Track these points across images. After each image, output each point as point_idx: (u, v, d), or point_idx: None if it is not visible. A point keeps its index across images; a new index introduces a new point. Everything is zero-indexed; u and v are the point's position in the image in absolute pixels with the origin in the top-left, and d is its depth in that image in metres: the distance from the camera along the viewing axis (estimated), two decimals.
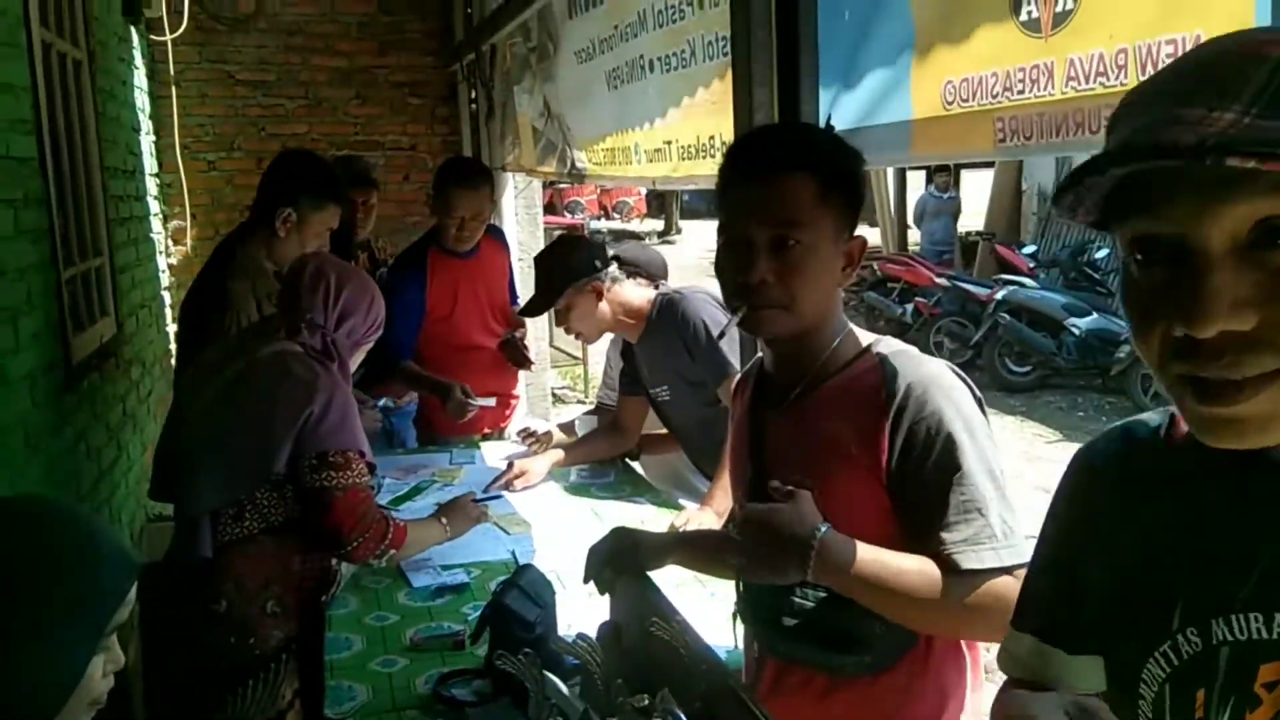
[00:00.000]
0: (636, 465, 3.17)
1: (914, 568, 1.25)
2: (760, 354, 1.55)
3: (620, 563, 1.65)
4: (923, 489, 1.26)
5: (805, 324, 1.34)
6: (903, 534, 1.30)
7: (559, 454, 3.04)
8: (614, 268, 2.76)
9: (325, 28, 5.51)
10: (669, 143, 2.85)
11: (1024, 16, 1.19)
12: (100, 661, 1.14)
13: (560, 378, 8.37)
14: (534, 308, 2.85)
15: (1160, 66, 1.01)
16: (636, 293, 2.76)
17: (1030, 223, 12.30)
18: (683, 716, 1.26)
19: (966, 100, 1.34)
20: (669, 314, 2.68)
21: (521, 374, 3.86)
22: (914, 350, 1.36)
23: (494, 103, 4.71)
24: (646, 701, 1.31)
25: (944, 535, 1.24)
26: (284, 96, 5.48)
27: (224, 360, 2.21)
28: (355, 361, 2.27)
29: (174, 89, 4.96)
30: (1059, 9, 1.15)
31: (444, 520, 2.36)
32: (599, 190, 18.73)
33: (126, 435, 3.73)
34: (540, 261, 2.88)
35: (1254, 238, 0.62)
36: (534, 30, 4.15)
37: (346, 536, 2.06)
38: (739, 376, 1.69)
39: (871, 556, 1.25)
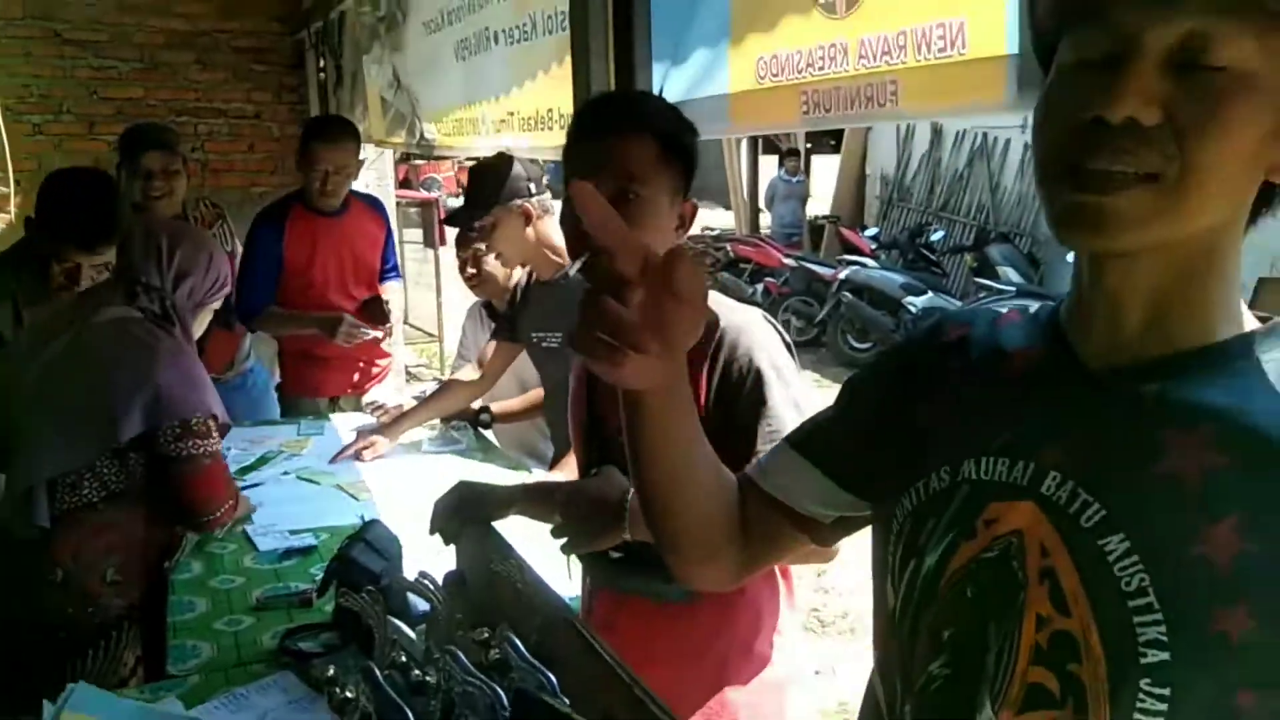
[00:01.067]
0: (488, 433, 3.24)
1: None
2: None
3: (465, 513, 1.73)
4: (734, 422, 1.39)
5: None
6: None
7: (412, 418, 3.06)
8: (547, 196, 2.71)
9: None
10: (512, 114, 2.92)
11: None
12: None
13: (415, 355, 8.29)
14: (461, 217, 2.79)
15: (932, 46, 1.17)
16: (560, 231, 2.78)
17: (873, 207, 12.89)
18: (519, 643, 1.35)
19: (776, 75, 1.47)
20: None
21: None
22: (729, 299, 1.49)
23: (343, 72, 4.66)
24: (486, 634, 1.40)
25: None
26: (117, 59, 5.23)
27: (58, 327, 2.15)
28: (202, 323, 2.25)
29: None
30: None
31: None
32: (455, 167, 18.45)
33: None
34: (475, 173, 2.82)
35: (1181, 49, 0.68)
36: (383, 1, 4.13)
37: (213, 504, 2.07)
38: None
39: None
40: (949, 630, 0.80)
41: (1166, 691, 0.69)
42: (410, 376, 6.15)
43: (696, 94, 1.70)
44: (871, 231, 11.41)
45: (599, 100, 1.59)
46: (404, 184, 14.72)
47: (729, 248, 10.72)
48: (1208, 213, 0.71)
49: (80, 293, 2.47)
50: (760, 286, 10.08)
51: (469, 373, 3.07)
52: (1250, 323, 0.77)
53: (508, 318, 2.92)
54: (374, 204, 3.78)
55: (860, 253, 10.12)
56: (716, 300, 1.49)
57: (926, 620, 0.83)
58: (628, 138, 1.41)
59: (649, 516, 0.98)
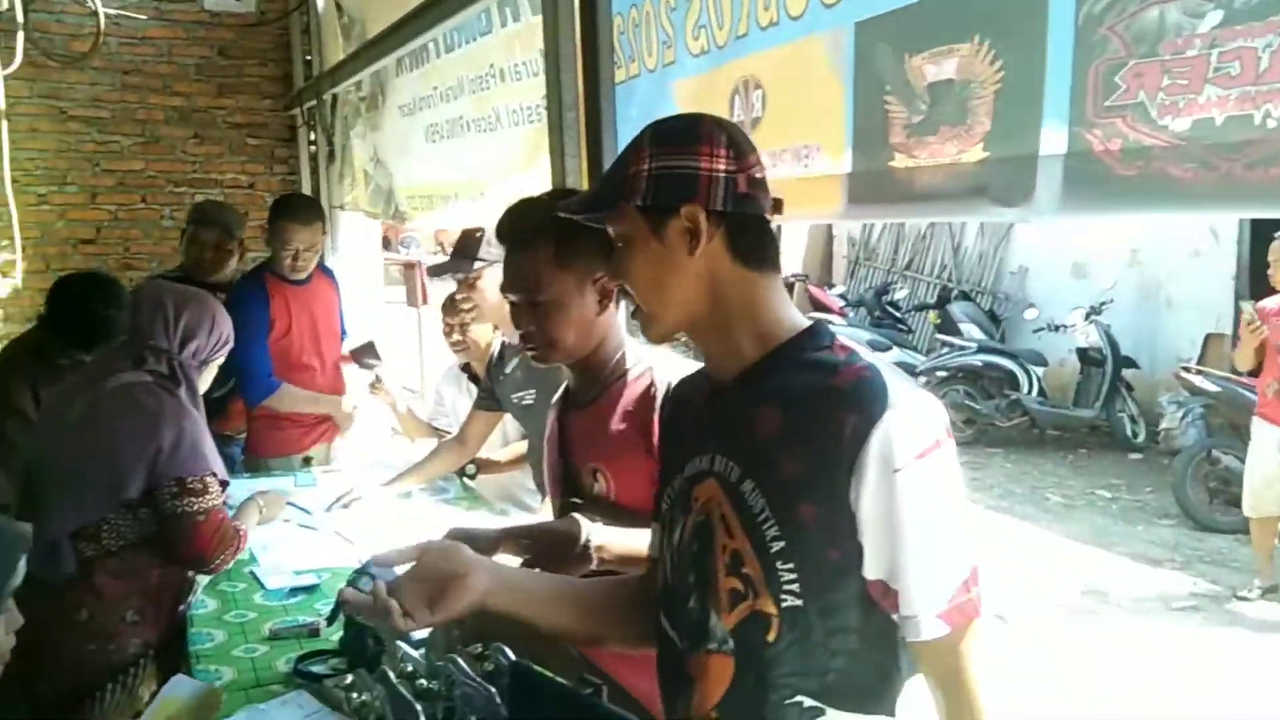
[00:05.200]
0: (472, 484, 3.47)
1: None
2: None
3: None
4: None
5: (573, 354, 1.74)
6: None
7: (401, 484, 3.26)
8: None
9: (163, 68, 5.59)
10: (481, 194, 3.22)
11: (738, 116, 1.66)
12: (2, 622, 1.37)
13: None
14: (447, 268, 3.01)
15: (796, 162, 1.52)
16: None
17: (840, 266, 13.30)
18: (510, 653, 1.59)
19: None
20: None
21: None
22: (674, 355, 1.78)
23: (335, 146, 4.96)
24: (480, 649, 1.64)
25: None
26: (119, 133, 5.52)
27: (75, 393, 2.35)
28: (206, 380, 2.45)
29: (4, 122, 4.94)
30: (753, 115, 1.63)
31: (260, 503, 2.58)
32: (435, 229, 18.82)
33: None
34: (465, 234, 3.03)
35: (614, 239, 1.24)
36: (365, 82, 4.45)
37: (210, 557, 2.27)
38: (554, 399, 2.06)
39: (621, 536, 1.64)
40: (691, 575, 1.23)
41: (791, 565, 1.12)
42: (395, 432, 6.35)
43: None
44: (839, 290, 11.80)
45: (502, 216, 1.83)
46: (384, 244, 14.96)
47: None
48: (669, 312, 1.20)
49: (96, 358, 2.69)
50: None
51: (451, 441, 3.31)
52: (796, 327, 1.20)
53: (487, 390, 3.15)
54: (328, 271, 4.07)
55: (829, 310, 10.46)
56: (663, 358, 1.77)
57: (681, 574, 1.25)
58: (523, 250, 1.71)
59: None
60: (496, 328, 3.34)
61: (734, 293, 1.18)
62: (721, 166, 1.15)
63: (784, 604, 1.13)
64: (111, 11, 5.13)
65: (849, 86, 1.41)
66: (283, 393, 3.68)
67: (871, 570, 1.10)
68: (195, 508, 2.23)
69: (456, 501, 3.28)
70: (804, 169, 1.45)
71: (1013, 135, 1.17)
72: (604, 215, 1.22)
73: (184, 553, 2.27)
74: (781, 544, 1.12)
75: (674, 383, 1.64)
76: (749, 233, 1.18)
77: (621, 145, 2.16)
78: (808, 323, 1.21)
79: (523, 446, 3.31)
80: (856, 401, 1.08)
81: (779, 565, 1.12)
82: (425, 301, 8.80)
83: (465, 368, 3.54)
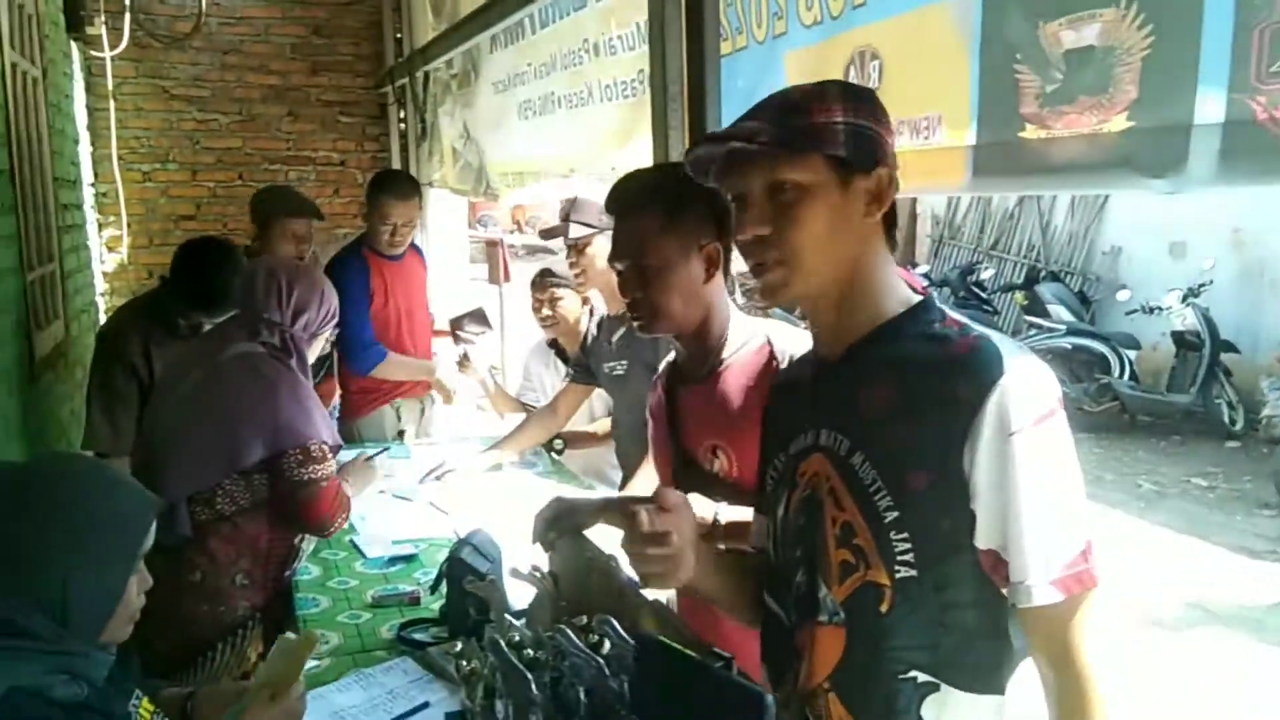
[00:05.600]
0: (560, 458, 3.51)
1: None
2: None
3: (561, 522, 2.00)
4: None
5: (680, 323, 1.73)
6: None
7: (493, 456, 3.31)
8: None
9: (260, 48, 5.73)
10: (572, 170, 3.22)
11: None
12: (135, 581, 1.40)
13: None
14: (560, 231, 2.98)
15: (915, 135, 1.47)
16: None
17: (925, 245, 13.04)
18: (616, 624, 1.61)
19: None
20: None
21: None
22: (787, 325, 1.76)
23: (426, 124, 5.02)
24: (585, 620, 1.66)
25: None
26: (218, 111, 5.68)
27: (191, 363, 2.43)
28: (314, 351, 2.51)
29: (111, 102, 5.12)
30: (870, 86, 1.57)
31: (348, 479, 2.65)
32: (511, 205, 19.00)
33: (74, 432, 3.91)
34: (579, 199, 3.00)
35: (770, 188, 1.16)
36: (456, 60, 4.48)
37: (331, 521, 2.35)
38: (656, 376, 2.04)
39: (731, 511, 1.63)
40: (798, 550, 1.25)
41: (905, 535, 1.12)
42: (481, 408, 6.45)
43: None
44: (923, 269, 11.55)
45: (616, 184, 1.83)
46: None
47: None
48: (818, 269, 1.17)
49: (210, 330, 2.79)
50: None
51: (543, 412, 3.34)
52: (906, 302, 1.20)
53: (580, 362, 3.16)
54: (417, 248, 4.13)
55: (913, 290, 10.25)
56: (776, 326, 1.75)
57: (787, 549, 1.28)
58: (631, 217, 1.71)
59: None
60: (586, 302, 3.36)
61: (869, 261, 1.19)
62: (890, 137, 1.16)
63: (898, 575, 1.13)
64: None
65: (974, 55, 1.37)
66: (389, 360, 3.76)
67: (983, 539, 1.09)
68: (318, 474, 2.31)
69: (546, 475, 3.32)
70: (923, 141, 1.42)
71: (1162, 104, 1.13)
72: (790, 159, 1.15)
73: (307, 518, 2.35)
74: (895, 514, 1.12)
75: (794, 352, 1.62)
76: (893, 205, 1.18)
77: (726, 119, 2.16)
78: (917, 298, 1.21)
79: (609, 423, 3.34)
80: (971, 368, 1.08)
81: (893, 535, 1.13)
82: (507, 279, 8.88)
83: (553, 344, 3.57)
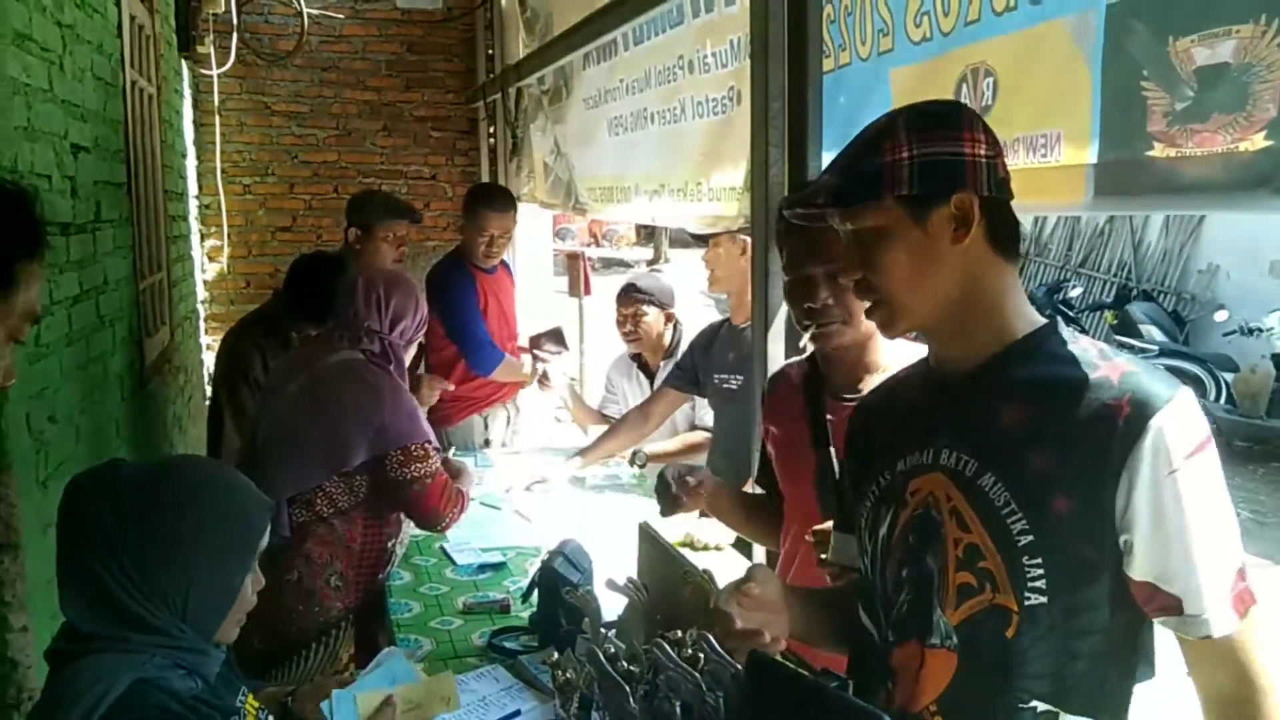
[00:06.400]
0: (642, 472, 3.51)
1: None
2: (796, 359, 1.95)
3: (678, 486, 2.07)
4: None
5: (863, 329, 1.72)
6: None
7: (580, 462, 3.34)
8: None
9: (357, 65, 5.90)
10: (662, 185, 3.23)
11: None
12: (249, 580, 1.43)
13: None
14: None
15: (1031, 153, 1.44)
16: None
17: None
18: (714, 641, 1.60)
19: None
20: None
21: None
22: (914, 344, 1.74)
23: (517, 139, 5.10)
24: (680, 634, 1.66)
25: None
26: (316, 127, 5.87)
27: (296, 368, 2.51)
28: (408, 357, 2.57)
29: (217, 118, 5.33)
30: (982, 104, 1.57)
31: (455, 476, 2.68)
32: (588, 218, 19.21)
33: (175, 436, 4.07)
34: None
35: (853, 235, 1.17)
36: (548, 76, 4.54)
37: (444, 514, 2.40)
38: (772, 384, 2.05)
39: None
40: (905, 569, 1.22)
41: (1039, 560, 1.09)
42: (559, 421, 6.51)
43: None
44: None
45: (790, 194, 1.86)
46: None
47: None
48: (920, 307, 1.17)
49: (314, 336, 2.87)
50: None
51: (634, 415, 3.34)
52: (1032, 324, 1.17)
53: (688, 368, 3.15)
54: (504, 262, 4.18)
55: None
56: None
57: (889, 569, 1.24)
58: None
59: None
60: (670, 319, 3.36)
61: (986, 282, 1.16)
62: (983, 151, 1.12)
63: (1027, 601, 1.10)
64: (314, 12, 5.45)
65: (1096, 72, 1.34)
66: (508, 361, 3.82)
67: (1140, 571, 1.07)
68: (423, 473, 2.36)
69: (629, 489, 3.34)
70: (1041, 159, 1.39)
71: None
72: (854, 210, 1.16)
73: (420, 514, 2.41)
74: (1029, 538, 1.09)
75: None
76: (1005, 219, 1.15)
77: (828, 137, 2.16)
78: (1043, 319, 1.18)
79: (695, 437, 3.34)
80: (1127, 397, 1.06)
81: (1025, 560, 1.10)
82: (588, 292, 8.95)
83: (635, 357, 3.59)
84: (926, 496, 1.19)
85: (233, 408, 3.13)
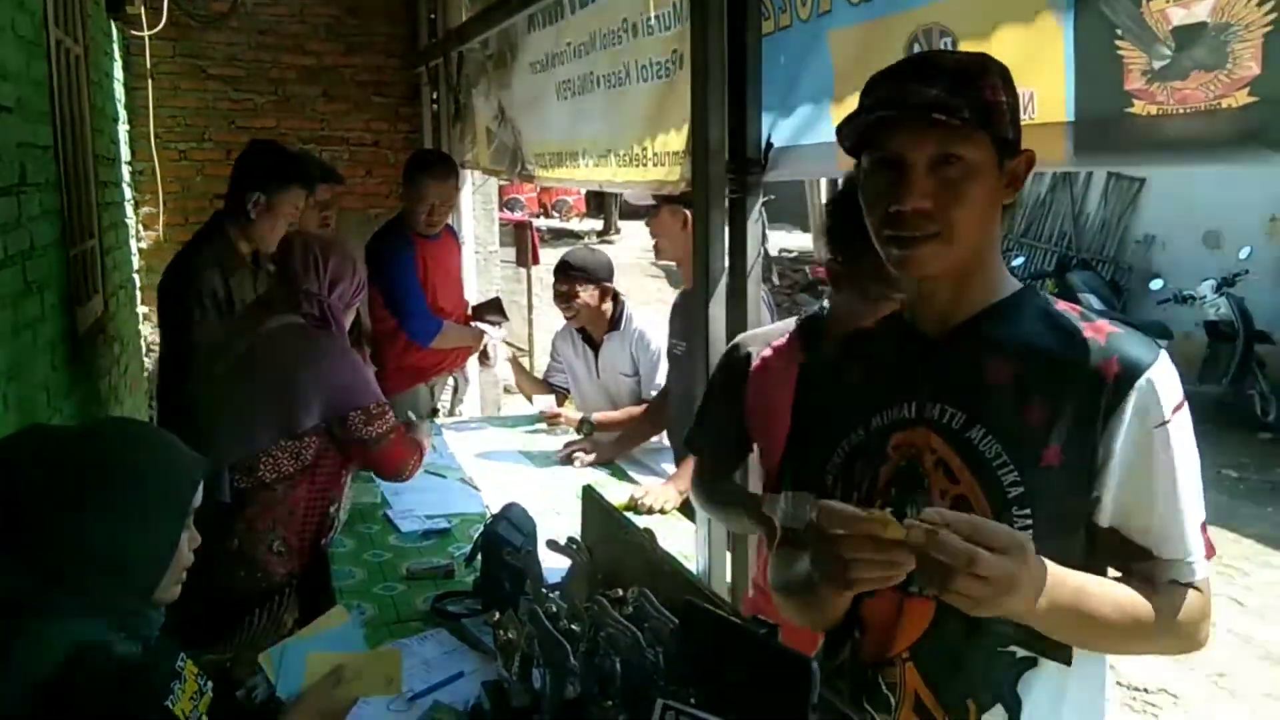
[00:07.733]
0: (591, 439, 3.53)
1: None
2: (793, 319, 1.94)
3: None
4: None
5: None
6: None
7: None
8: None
9: (295, 28, 5.76)
10: (609, 150, 3.21)
11: None
12: (186, 538, 1.42)
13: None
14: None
15: None
16: None
17: None
18: (653, 596, 1.62)
19: None
20: None
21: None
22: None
23: (459, 105, 5.03)
24: (621, 592, 1.67)
25: None
26: (254, 91, 5.72)
27: (233, 337, 2.47)
28: (347, 320, 2.54)
29: (149, 81, 5.17)
30: None
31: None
32: (538, 188, 19.01)
33: (111, 406, 3.98)
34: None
35: (935, 160, 1.10)
36: (492, 40, 4.47)
37: (406, 464, 2.46)
38: (773, 342, 1.96)
39: None
40: None
41: (1028, 510, 1.12)
42: (508, 391, 6.49)
43: (802, 141, 1.98)
44: None
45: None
46: None
47: (807, 270, 10.91)
48: (969, 246, 1.14)
49: (252, 303, 2.82)
50: None
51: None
52: (1013, 285, 1.20)
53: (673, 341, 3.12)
54: (450, 229, 4.16)
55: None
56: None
57: None
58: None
59: None
60: (605, 294, 3.37)
61: (994, 239, 1.19)
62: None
63: None
64: None
65: (1069, 31, 1.36)
66: (446, 329, 3.80)
67: (1109, 518, 1.13)
68: (386, 429, 2.38)
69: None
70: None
71: None
72: (959, 133, 1.09)
73: (388, 468, 2.46)
74: (1020, 489, 1.12)
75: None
76: None
77: (767, 99, 2.15)
78: (1019, 283, 1.22)
79: (637, 408, 3.36)
80: (1118, 353, 1.11)
81: (1015, 511, 1.12)
82: (536, 262, 8.92)
83: (580, 329, 3.59)
84: (910, 450, 1.20)
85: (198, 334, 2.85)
